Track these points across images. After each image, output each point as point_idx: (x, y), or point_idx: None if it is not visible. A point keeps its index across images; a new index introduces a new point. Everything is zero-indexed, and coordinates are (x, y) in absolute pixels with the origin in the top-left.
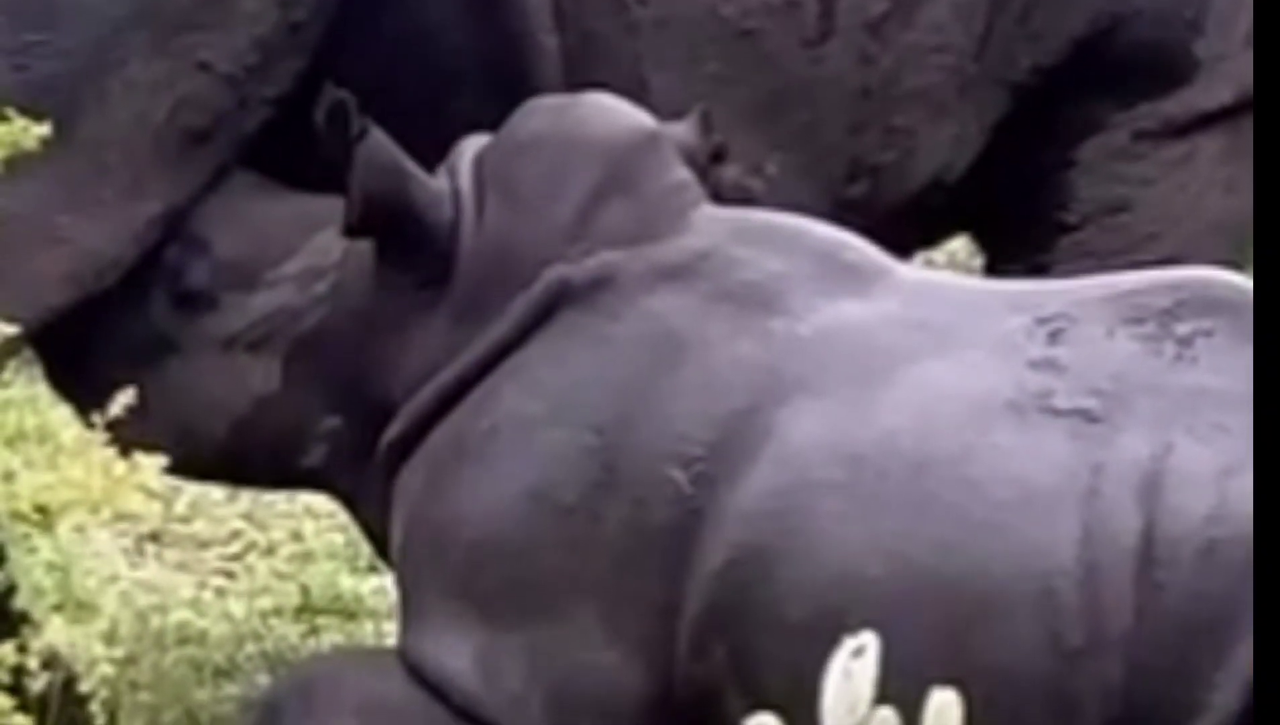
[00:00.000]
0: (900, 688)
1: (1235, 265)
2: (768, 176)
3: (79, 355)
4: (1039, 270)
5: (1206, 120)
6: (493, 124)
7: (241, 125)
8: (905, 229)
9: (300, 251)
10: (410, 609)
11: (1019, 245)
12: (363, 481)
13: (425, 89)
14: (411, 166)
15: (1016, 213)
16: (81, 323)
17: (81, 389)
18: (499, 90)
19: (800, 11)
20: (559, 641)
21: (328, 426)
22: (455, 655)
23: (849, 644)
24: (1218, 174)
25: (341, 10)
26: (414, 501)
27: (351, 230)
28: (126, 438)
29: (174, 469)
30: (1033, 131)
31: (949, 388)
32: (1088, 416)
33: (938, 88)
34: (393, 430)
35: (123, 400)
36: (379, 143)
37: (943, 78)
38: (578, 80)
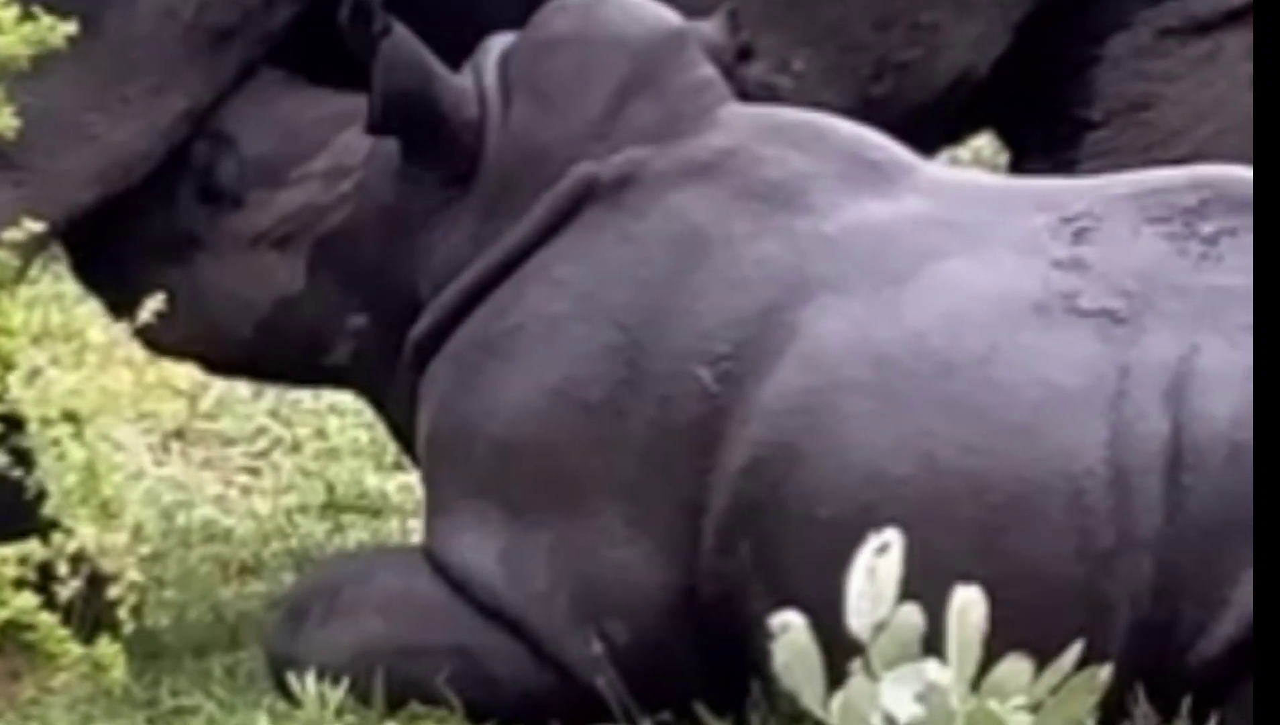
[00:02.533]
0: (926, 586)
1: None
2: (795, 73)
3: (106, 252)
4: (1063, 167)
5: (1231, 17)
6: (518, 23)
7: (267, 23)
8: (930, 126)
9: (327, 149)
10: (435, 506)
11: (1043, 142)
12: (389, 379)
13: None
14: (436, 64)
15: (1041, 110)
16: (109, 220)
17: (108, 285)
18: None
19: None
20: (584, 539)
21: (354, 324)
22: (480, 553)
23: (874, 541)
24: (1242, 70)
25: None
26: (440, 399)
27: (375, 128)
28: (153, 336)
29: (203, 367)
30: (1057, 29)
31: (975, 287)
32: (1114, 317)
33: None
34: (419, 327)
35: (152, 306)
36: (402, 39)
37: None
38: None
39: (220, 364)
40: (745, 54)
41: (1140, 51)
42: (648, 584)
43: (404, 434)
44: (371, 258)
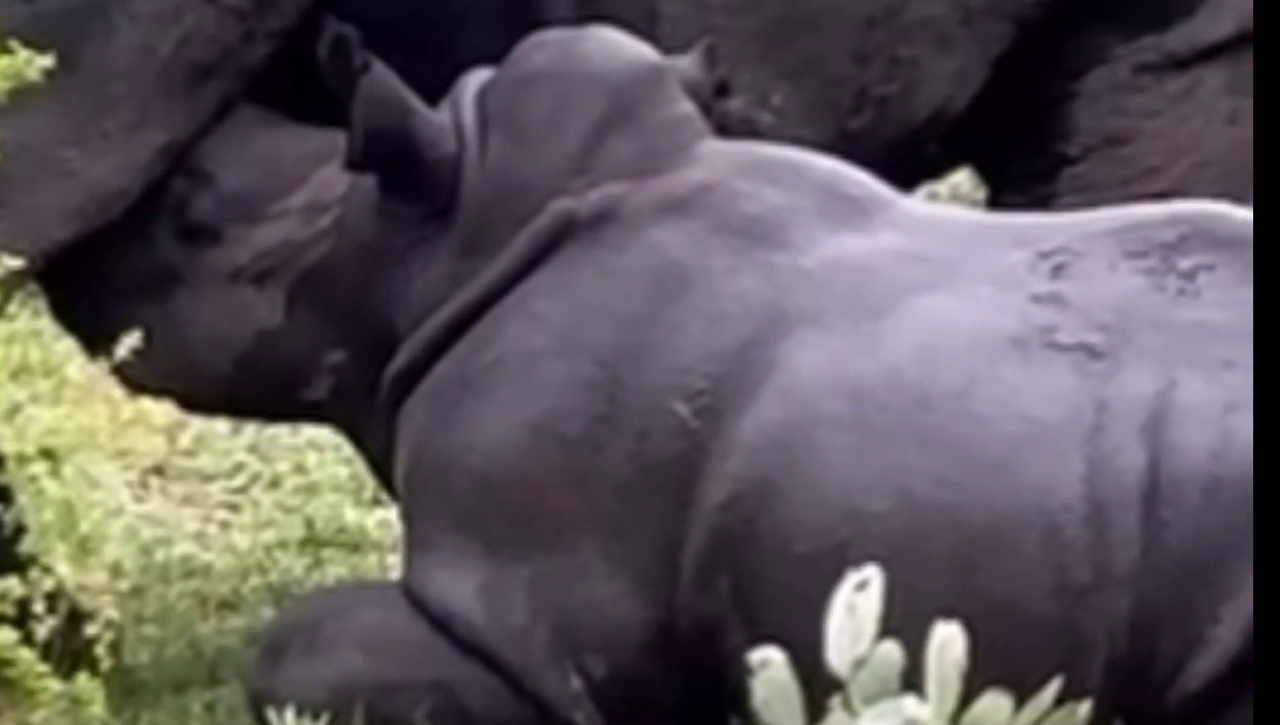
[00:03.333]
0: (904, 622)
1: (1238, 197)
2: (774, 108)
3: (84, 289)
4: (1041, 202)
5: (1209, 53)
6: (499, 57)
7: (246, 59)
8: (909, 161)
9: (306, 184)
10: (414, 541)
11: (1021, 178)
12: (367, 413)
13: (432, 23)
14: (414, 100)
15: (1019, 145)
16: (87, 256)
17: (87, 323)
18: (509, 24)
19: None
20: (562, 574)
21: (332, 359)
22: (459, 588)
23: (853, 578)
24: (1220, 106)
25: None
26: (418, 434)
27: (354, 164)
28: (131, 373)
29: (179, 402)
30: (1035, 64)
31: (953, 322)
32: (1092, 352)
33: (942, 19)
34: (397, 362)
35: (129, 343)
36: (381, 76)
37: (946, 9)
38: (589, 12)
39: (199, 400)
40: (723, 89)
41: (1118, 87)
42: (626, 619)
43: (382, 469)
44: (350, 293)
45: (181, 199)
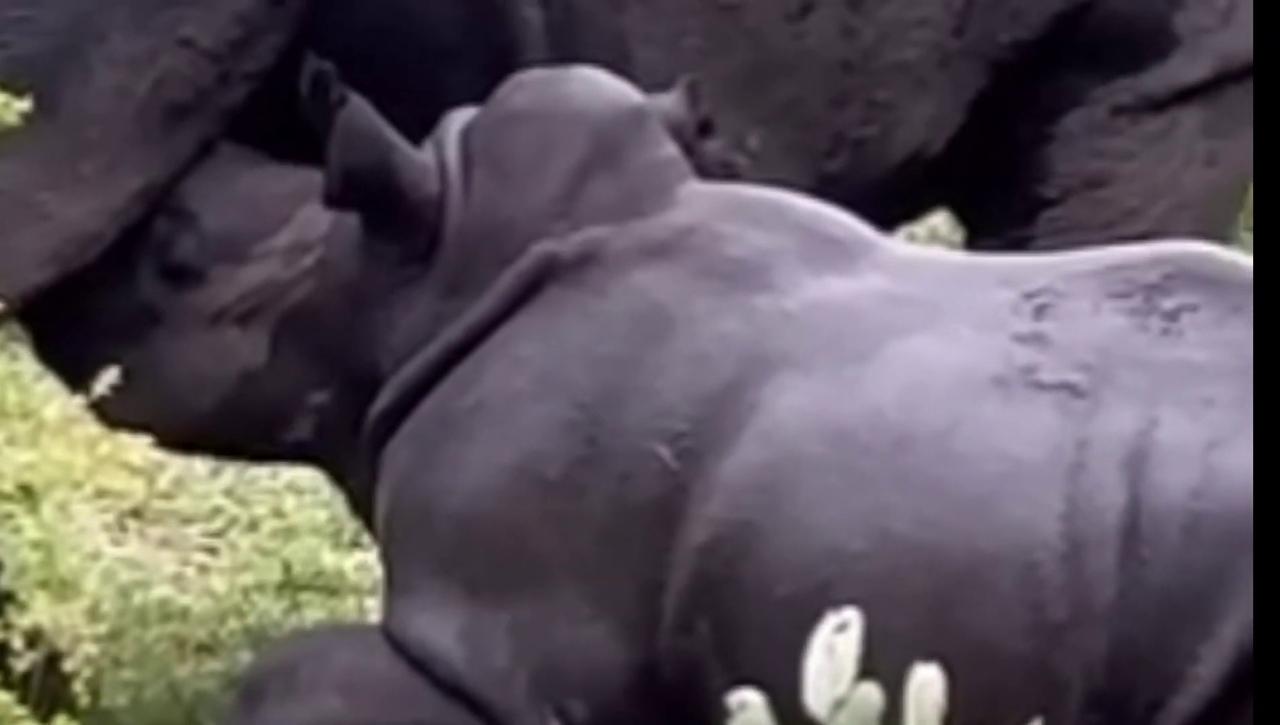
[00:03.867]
0: (884, 663)
1: (1218, 238)
2: (750, 151)
3: (67, 329)
4: (1018, 245)
5: (1186, 94)
6: (479, 98)
7: (224, 100)
8: (887, 204)
9: (289, 224)
10: (395, 584)
11: (998, 220)
12: (350, 454)
13: (411, 64)
14: (394, 137)
15: (996, 187)
16: (70, 296)
17: (70, 363)
18: (485, 64)
19: None
20: (544, 617)
21: (316, 400)
22: (440, 631)
23: (832, 619)
24: (1197, 148)
25: None
26: (400, 476)
27: (333, 201)
28: (114, 412)
29: (161, 442)
30: (1012, 106)
31: (934, 362)
32: (1073, 391)
33: (918, 62)
34: (380, 403)
35: (107, 379)
36: (359, 111)
37: (923, 52)
38: (562, 54)
39: (181, 439)
40: (706, 128)
41: (1095, 129)
42: (608, 662)
43: (365, 509)
44: (333, 333)
45: (165, 239)
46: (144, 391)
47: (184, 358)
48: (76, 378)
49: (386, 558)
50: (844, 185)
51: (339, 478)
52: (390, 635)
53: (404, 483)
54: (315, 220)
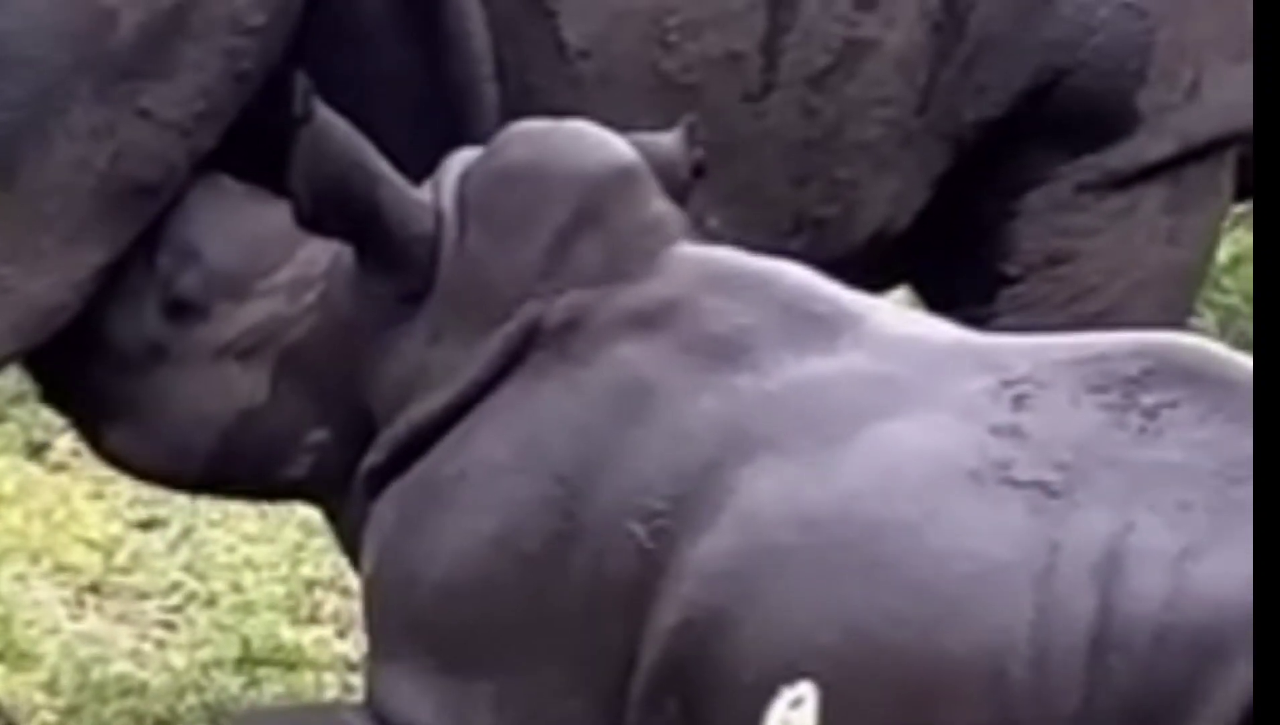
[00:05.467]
0: None
1: (1178, 315)
2: (710, 231)
3: (72, 367)
4: (981, 321)
5: (1149, 172)
6: (430, 169)
7: (184, 174)
8: (848, 280)
9: (291, 260)
10: (376, 651)
11: (961, 296)
12: (343, 496)
13: (364, 124)
14: (383, 168)
15: (958, 264)
16: (74, 335)
17: (75, 401)
18: (442, 140)
19: (743, 65)
20: (523, 690)
21: (314, 438)
22: (420, 703)
23: (787, 694)
24: (1160, 225)
25: (291, 57)
26: (384, 539)
27: (304, 221)
28: (114, 449)
29: (163, 479)
30: (975, 183)
31: (911, 451)
32: (1048, 490)
33: (881, 140)
34: (370, 460)
35: (67, 443)
36: (327, 125)
37: (886, 130)
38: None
39: (183, 478)
40: (700, 171)
41: (1058, 206)
42: None
43: (353, 551)
44: (332, 371)
45: (168, 275)
46: (147, 427)
47: (186, 394)
48: (82, 416)
49: (368, 618)
50: (806, 263)
51: (332, 516)
52: (370, 705)
53: (388, 547)
54: (318, 256)
